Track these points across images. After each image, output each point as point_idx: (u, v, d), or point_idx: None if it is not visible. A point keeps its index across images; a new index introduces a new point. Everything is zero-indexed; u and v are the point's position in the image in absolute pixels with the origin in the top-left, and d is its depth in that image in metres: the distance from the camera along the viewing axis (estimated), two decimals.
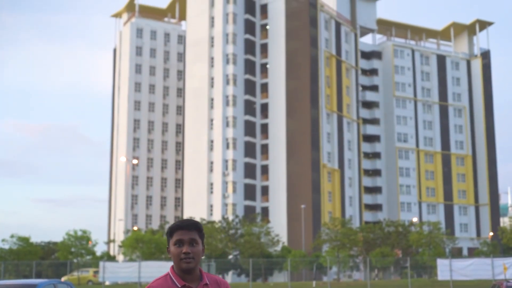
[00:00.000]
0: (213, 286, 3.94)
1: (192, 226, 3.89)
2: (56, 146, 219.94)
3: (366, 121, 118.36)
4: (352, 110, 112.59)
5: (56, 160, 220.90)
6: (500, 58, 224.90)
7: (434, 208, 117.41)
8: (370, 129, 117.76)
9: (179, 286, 3.81)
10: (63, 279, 50.24)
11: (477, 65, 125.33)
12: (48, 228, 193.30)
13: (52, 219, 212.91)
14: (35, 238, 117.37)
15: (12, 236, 60.16)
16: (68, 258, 56.59)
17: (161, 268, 45.35)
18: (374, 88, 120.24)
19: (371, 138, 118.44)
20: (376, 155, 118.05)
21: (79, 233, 58.10)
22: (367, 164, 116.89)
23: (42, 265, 54.89)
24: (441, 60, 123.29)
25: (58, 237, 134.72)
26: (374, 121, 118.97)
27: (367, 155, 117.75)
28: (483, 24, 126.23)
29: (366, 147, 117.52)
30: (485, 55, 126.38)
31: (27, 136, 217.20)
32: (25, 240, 60.32)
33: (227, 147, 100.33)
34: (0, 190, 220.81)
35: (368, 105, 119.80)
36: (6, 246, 60.58)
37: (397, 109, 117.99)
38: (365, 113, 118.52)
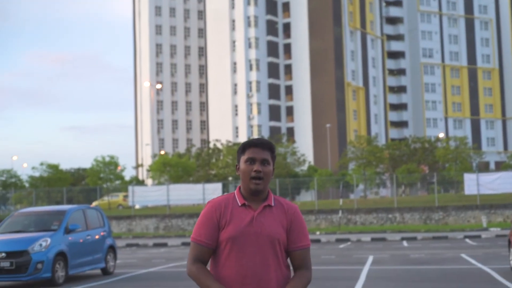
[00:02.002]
0: (277, 208, 3.75)
1: (265, 145, 3.74)
2: (80, 74, 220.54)
3: (390, 37, 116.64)
4: (375, 27, 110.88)
5: (81, 88, 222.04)
6: None
7: (460, 123, 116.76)
8: (395, 45, 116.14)
9: (239, 204, 3.70)
10: (94, 204, 51.15)
11: None
12: (76, 155, 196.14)
13: (80, 146, 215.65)
14: (64, 165, 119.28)
15: (41, 164, 61.07)
16: (98, 183, 57.33)
17: (189, 190, 45.92)
18: (397, 3, 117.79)
19: (395, 55, 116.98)
20: (401, 72, 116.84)
21: (107, 159, 58.77)
22: (392, 81, 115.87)
23: (73, 191, 55.76)
24: None
25: (86, 164, 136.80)
26: (399, 37, 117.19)
27: (391, 72, 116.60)
28: None
29: (391, 63, 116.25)
30: None
31: (51, 66, 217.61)
32: (54, 167, 61.14)
33: (250, 68, 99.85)
34: (27, 120, 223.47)
35: (392, 21, 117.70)
36: (37, 174, 61.63)
37: (421, 24, 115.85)
38: (389, 29, 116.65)
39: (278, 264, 3.73)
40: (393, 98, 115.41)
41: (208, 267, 3.79)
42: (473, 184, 41.72)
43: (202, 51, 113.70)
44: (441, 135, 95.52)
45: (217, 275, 3.73)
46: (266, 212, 3.73)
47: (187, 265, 3.75)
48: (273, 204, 3.76)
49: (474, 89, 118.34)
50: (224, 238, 3.68)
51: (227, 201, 3.74)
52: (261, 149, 3.74)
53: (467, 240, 30.29)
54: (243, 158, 3.75)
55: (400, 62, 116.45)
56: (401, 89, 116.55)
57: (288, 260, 3.86)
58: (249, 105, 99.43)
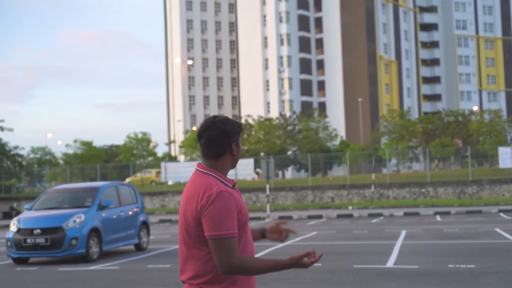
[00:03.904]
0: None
1: None
2: (112, 51, 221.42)
3: (423, 9, 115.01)
4: None
5: (113, 65, 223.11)
6: None
7: (495, 96, 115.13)
8: (427, 17, 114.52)
9: (231, 186, 3.59)
10: (127, 180, 51.56)
11: None
12: (109, 132, 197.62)
13: (113, 123, 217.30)
14: (98, 142, 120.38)
15: (75, 141, 61.68)
16: (131, 160, 57.84)
17: None
18: None
19: (428, 27, 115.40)
20: (434, 44, 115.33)
21: (140, 136, 59.16)
22: (424, 53, 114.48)
23: (106, 168, 56.22)
24: None
25: (119, 141, 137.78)
26: (431, 9, 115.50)
27: (424, 45, 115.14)
28: None
29: (424, 36, 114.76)
30: None
31: (83, 43, 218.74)
32: (88, 144, 61.76)
33: (281, 43, 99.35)
34: (61, 98, 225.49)
35: None
36: (71, 151, 62.28)
37: None
38: (421, 1, 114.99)
39: None
40: (426, 71, 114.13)
41: None
42: (508, 157, 41.25)
43: (233, 27, 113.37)
44: (475, 108, 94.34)
45: None
46: None
47: (224, 264, 3.34)
48: None
49: (509, 61, 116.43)
50: (243, 222, 3.53)
51: (226, 185, 3.57)
52: None
53: (502, 214, 30.00)
54: (240, 139, 3.73)
55: (433, 34, 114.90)
56: (434, 62, 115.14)
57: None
58: (281, 80, 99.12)
